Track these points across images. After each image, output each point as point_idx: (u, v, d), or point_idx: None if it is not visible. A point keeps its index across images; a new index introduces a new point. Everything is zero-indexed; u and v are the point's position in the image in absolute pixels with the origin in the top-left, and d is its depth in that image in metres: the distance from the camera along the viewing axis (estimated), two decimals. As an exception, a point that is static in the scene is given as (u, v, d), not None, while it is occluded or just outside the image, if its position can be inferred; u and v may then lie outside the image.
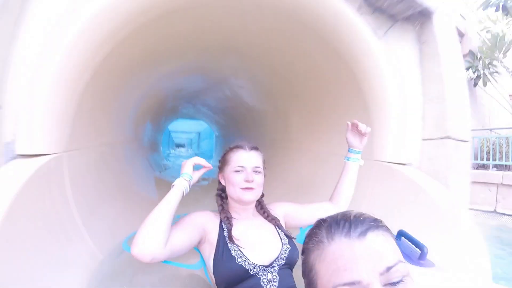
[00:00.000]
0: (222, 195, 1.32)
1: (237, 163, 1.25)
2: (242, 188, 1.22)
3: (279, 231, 1.27)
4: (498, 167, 6.01)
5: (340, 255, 0.50)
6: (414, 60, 2.12)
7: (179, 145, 13.78)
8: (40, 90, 1.20)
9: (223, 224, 1.21)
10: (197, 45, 2.12)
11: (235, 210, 1.28)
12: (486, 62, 6.92)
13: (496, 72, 7.03)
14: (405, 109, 1.92)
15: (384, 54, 1.84)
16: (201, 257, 1.22)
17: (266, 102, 3.31)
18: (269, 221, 1.30)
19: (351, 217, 0.55)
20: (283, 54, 2.18)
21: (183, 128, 11.57)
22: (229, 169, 1.26)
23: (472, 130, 5.28)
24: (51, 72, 1.21)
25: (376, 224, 0.54)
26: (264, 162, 1.32)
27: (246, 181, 1.22)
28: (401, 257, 0.52)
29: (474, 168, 6.03)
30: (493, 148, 6.01)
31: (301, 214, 1.39)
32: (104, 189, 1.82)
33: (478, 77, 7.13)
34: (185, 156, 9.99)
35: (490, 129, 6.78)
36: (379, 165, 1.86)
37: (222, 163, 1.32)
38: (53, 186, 1.22)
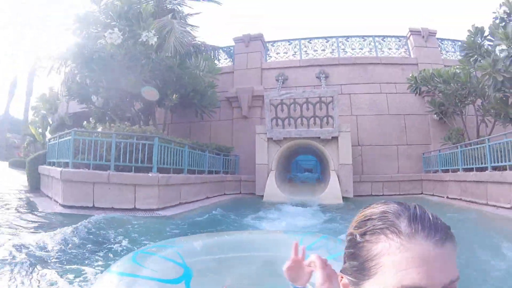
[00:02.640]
0: None
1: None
2: None
3: None
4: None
5: (416, 257, 0.50)
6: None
7: (307, 170, 18.86)
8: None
9: None
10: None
11: None
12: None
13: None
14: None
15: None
16: (185, 271, 1.43)
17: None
18: None
19: (431, 218, 0.55)
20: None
21: (306, 159, 18.76)
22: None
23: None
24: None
25: (451, 233, 0.55)
26: None
27: None
28: (458, 273, 0.53)
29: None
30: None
31: None
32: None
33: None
34: (311, 178, 16.81)
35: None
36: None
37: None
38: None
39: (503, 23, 8.35)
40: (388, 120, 12.74)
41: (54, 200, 7.44)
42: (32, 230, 5.04)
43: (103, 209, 6.40)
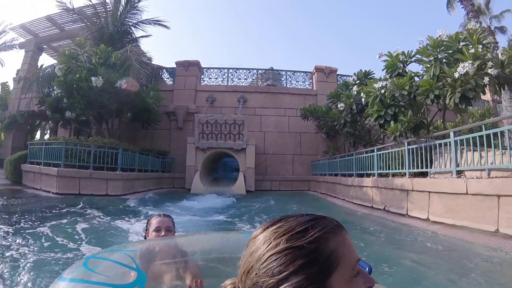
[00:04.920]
0: None
1: (156, 225, 2.27)
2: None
3: None
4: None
5: (350, 241, 0.72)
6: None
7: (236, 169, 24.55)
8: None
9: None
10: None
11: None
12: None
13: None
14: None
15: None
16: (139, 275, 1.49)
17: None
18: None
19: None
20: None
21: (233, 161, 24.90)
22: (151, 229, 2.28)
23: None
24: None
25: None
26: (173, 223, 2.41)
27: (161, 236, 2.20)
28: None
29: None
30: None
31: None
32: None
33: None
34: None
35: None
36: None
37: (148, 226, 2.36)
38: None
39: (357, 84, 13.89)
40: (288, 136, 18.18)
41: (43, 190, 11.26)
42: (48, 204, 9.14)
43: (86, 195, 10.66)
